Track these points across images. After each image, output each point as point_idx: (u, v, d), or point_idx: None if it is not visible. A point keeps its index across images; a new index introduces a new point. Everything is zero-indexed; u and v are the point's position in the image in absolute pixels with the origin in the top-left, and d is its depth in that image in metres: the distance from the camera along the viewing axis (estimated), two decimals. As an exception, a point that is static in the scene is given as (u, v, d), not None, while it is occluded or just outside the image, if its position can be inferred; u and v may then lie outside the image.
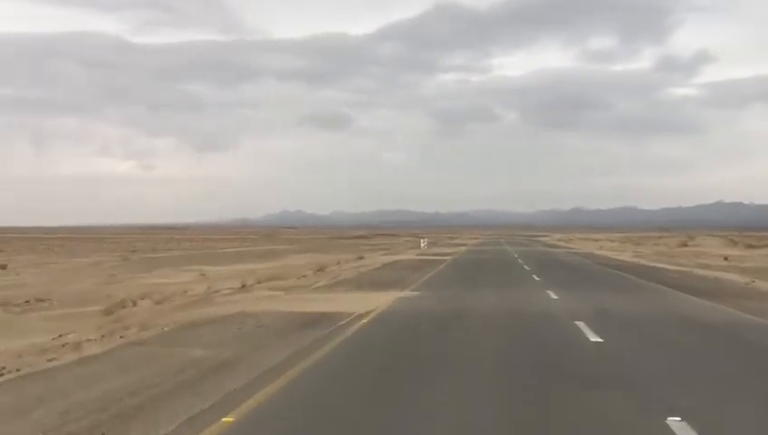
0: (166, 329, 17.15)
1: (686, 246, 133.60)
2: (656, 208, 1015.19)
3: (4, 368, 12.47)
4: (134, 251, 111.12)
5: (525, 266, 46.46)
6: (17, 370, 12.28)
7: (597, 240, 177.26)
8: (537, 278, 35.20)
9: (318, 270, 50.44)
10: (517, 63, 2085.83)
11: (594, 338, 15.47)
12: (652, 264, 56.25)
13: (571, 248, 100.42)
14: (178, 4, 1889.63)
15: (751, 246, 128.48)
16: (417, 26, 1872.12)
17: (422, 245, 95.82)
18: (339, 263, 61.32)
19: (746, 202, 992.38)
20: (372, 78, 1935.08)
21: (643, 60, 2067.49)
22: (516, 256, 66.19)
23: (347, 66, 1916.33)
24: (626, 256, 75.90)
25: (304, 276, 44.21)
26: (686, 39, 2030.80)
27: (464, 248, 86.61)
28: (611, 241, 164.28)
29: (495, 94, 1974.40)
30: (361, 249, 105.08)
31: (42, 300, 32.91)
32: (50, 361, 13.33)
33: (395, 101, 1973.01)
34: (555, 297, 25.03)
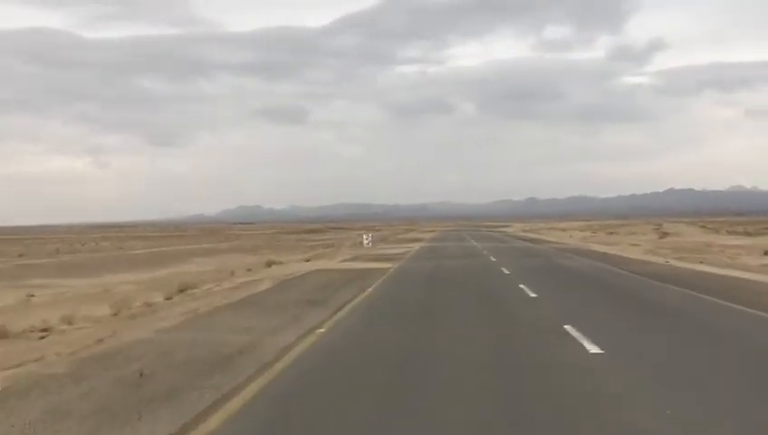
0: None
1: (667, 235, 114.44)
2: (609, 196, 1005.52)
3: None
4: (21, 256, 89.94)
5: (525, 289, 23.95)
6: None
7: (564, 230, 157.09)
8: (594, 349, 12.67)
9: (180, 291, 31.17)
10: (473, 54, 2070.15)
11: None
12: (709, 269, 34.87)
13: (552, 242, 78.94)
14: None
15: (745, 234, 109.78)
16: (373, 18, 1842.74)
17: (365, 242, 74.02)
18: (232, 273, 40.64)
19: (697, 189, 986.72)
20: (328, 70, 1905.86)
21: (597, 49, 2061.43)
22: (493, 258, 44.64)
23: (303, 59, 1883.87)
24: (635, 251, 54.84)
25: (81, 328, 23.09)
26: (640, 27, 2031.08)
27: (417, 247, 64.93)
28: (581, 231, 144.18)
29: (452, 85, 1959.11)
30: (297, 247, 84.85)
31: None
32: None
33: (352, 93, 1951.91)
34: None
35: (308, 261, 49.69)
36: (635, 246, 65.91)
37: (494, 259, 43.23)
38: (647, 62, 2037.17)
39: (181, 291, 30.70)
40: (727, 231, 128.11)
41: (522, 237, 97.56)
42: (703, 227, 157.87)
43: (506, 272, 31.98)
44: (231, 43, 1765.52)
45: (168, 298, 28.58)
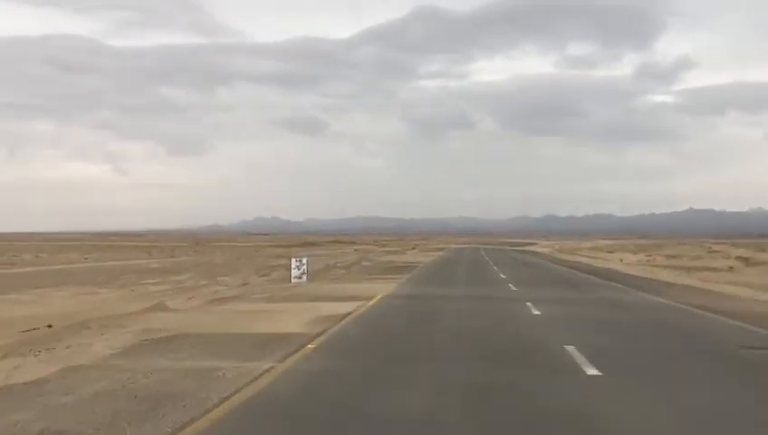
0: None
1: (748, 261, 76.99)
2: (629, 215, 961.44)
3: None
4: None
5: None
6: None
7: (611, 251, 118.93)
8: None
9: None
10: (496, 69, 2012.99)
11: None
12: None
13: (662, 284, 40.28)
14: (155, 6, 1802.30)
15: None
16: (396, 31, 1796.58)
17: (293, 274, 36.62)
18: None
19: (717, 209, 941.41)
20: (350, 83, 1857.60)
21: (623, 66, 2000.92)
22: None
23: (324, 70, 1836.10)
24: None
25: None
26: (667, 45, 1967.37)
27: (377, 299, 26.35)
28: (633, 253, 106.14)
29: (473, 100, 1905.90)
30: (246, 268, 56.17)
31: None
32: None
33: (372, 106, 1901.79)
34: None
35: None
36: None
37: None
38: (673, 81, 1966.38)
39: None
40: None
41: (579, 267, 59.06)
42: (764, 250, 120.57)
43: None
44: (254, 53, 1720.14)
45: None
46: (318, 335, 15.88)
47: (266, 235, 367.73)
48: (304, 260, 37.36)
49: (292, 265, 36.82)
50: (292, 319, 19.06)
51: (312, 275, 38.64)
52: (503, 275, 41.76)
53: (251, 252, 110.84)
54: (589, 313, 21.42)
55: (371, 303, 23.73)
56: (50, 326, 21.42)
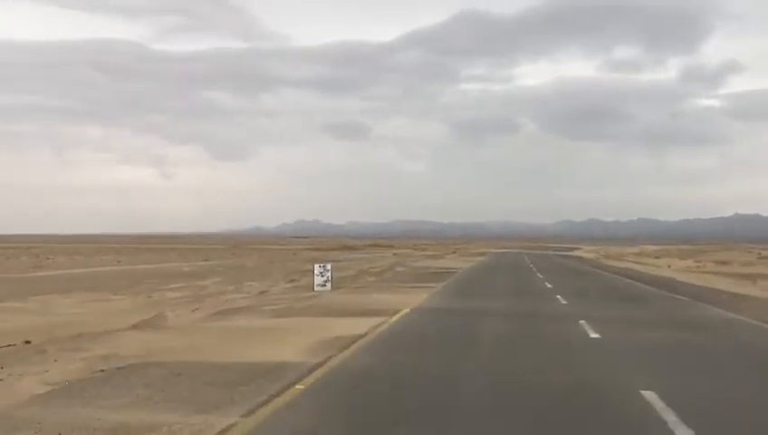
0: None
1: None
2: (674, 220, 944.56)
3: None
4: None
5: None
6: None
7: (657, 256, 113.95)
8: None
9: None
10: (539, 72, 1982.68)
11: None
12: None
13: None
14: (199, 11, 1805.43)
15: None
16: (439, 34, 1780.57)
17: (316, 281, 33.12)
18: None
19: (764, 214, 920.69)
20: (392, 86, 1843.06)
21: (668, 70, 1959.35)
22: None
23: (367, 74, 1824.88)
24: None
25: None
26: (713, 49, 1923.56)
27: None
28: (681, 259, 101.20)
29: (516, 104, 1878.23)
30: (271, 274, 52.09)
31: None
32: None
33: (414, 110, 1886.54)
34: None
35: None
36: None
37: None
38: (719, 85, 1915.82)
39: None
40: None
41: (629, 274, 54.68)
42: None
43: None
44: (297, 57, 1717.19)
45: None
46: (316, 368, 12.28)
47: (306, 238, 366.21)
48: (329, 266, 33.88)
49: (315, 272, 33.41)
50: (294, 341, 15.52)
51: (338, 283, 35.33)
52: (549, 285, 37.79)
53: (287, 255, 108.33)
54: (659, 336, 17.47)
55: (394, 319, 20.07)
56: (28, 342, 18.64)
